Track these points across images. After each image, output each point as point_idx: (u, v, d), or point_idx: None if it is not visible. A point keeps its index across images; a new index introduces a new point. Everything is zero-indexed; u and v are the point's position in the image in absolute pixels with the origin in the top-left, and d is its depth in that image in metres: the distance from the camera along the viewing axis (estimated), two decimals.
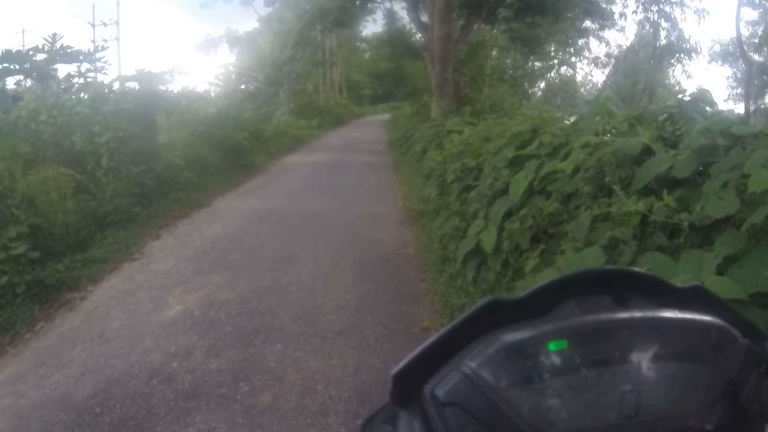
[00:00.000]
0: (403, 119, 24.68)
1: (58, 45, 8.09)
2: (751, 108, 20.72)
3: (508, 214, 4.60)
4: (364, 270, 5.65)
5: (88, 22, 25.92)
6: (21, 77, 8.47)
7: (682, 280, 2.23)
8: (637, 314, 0.58)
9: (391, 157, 16.63)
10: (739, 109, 20.16)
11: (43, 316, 4.57)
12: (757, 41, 27.52)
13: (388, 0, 23.54)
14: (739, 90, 31.63)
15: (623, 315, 0.57)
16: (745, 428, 0.59)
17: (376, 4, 24.38)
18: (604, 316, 0.57)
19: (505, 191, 4.90)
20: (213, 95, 23.67)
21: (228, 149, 12.82)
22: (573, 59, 26.48)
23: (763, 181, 2.34)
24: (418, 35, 23.27)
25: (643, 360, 0.55)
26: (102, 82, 9.39)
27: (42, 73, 8.25)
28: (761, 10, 24.06)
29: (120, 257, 6.04)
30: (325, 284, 5.20)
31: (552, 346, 0.53)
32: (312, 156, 16.50)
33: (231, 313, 4.51)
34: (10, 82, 8.63)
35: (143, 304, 4.75)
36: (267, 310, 4.59)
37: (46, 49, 8.05)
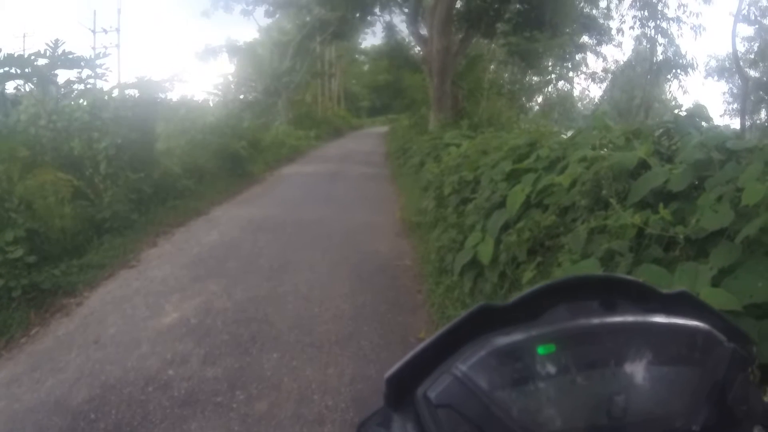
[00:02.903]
0: (401, 131, 24.65)
1: (59, 50, 8.12)
2: (747, 123, 20.82)
3: (506, 227, 4.60)
4: (361, 280, 5.65)
5: (89, 29, 25.85)
6: (21, 81, 8.47)
7: None
8: (625, 319, 0.59)
9: (388, 168, 16.64)
10: (735, 124, 20.28)
11: (38, 320, 4.57)
12: (753, 57, 27.67)
13: (387, 13, 23.60)
14: (734, 105, 31.74)
15: (611, 319, 0.59)
16: (732, 429, 0.60)
17: (375, 17, 24.46)
18: (592, 321, 0.59)
19: (502, 204, 4.90)
20: (212, 104, 23.74)
21: (226, 158, 12.84)
22: (570, 74, 26.59)
23: (757, 194, 2.37)
24: (417, 48, 23.34)
25: (630, 363, 0.56)
26: (101, 88, 9.41)
27: (42, 78, 8.27)
28: (757, 26, 24.26)
29: (117, 263, 6.03)
30: (321, 293, 5.20)
31: (541, 349, 0.55)
32: (309, 166, 16.52)
33: (227, 321, 4.51)
34: (10, 86, 8.64)
35: (139, 310, 4.74)
36: (263, 318, 4.59)
37: (47, 54, 8.07)
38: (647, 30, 20.90)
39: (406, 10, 20.92)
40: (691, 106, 4.63)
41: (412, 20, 20.46)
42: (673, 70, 21.75)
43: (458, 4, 18.95)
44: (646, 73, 23.24)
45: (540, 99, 28.22)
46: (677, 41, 20.98)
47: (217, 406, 3.30)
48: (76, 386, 3.47)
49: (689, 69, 21.73)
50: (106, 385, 3.48)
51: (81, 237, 6.57)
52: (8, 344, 4.14)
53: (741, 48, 26.13)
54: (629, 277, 0.67)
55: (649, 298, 0.64)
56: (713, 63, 32.59)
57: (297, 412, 3.26)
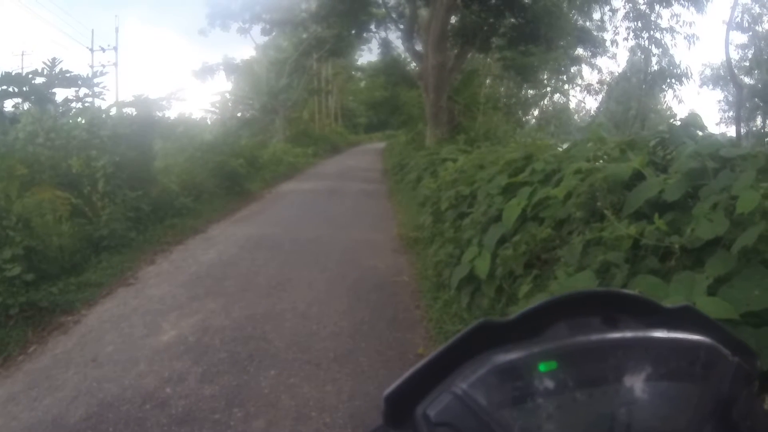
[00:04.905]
0: (398, 147, 24.74)
1: (57, 69, 8.17)
2: (743, 131, 20.89)
3: (502, 241, 4.60)
4: (359, 297, 5.64)
5: (87, 48, 26.09)
6: (19, 100, 8.52)
7: (673, 301, 2.23)
8: (627, 334, 0.59)
9: (386, 185, 16.67)
10: (731, 132, 20.39)
11: (36, 338, 4.55)
12: (747, 64, 27.91)
13: (383, 29, 23.87)
14: (730, 113, 32.04)
15: (613, 336, 0.58)
16: None
17: (371, 34, 24.71)
18: (594, 337, 0.58)
19: (498, 218, 4.91)
20: (209, 122, 23.85)
21: (224, 176, 12.86)
22: (566, 87, 26.76)
23: (751, 202, 2.38)
24: (413, 64, 23.50)
25: (633, 380, 0.55)
26: (99, 106, 9.46)
27: (40, 97, 8.31)
28: (750, 33, 24.47)
29: (114, 282, 6.02)
30: (319, 311, 5.18)
31: (542, 366, 0.54)
32: (307, 183, 16.54)
33: (225, 339, 4.48)
34: (8, 105, 8.68)
35: (137, 328, 4.72)
36: (261, 336, 4.57)
37: (45, 72, 8.12)
38: (641, 41, 21.09)
39: (402, 27, 21.12)
40: (686, 115, 4.64)
41: (408, 37, 20.62)
42: (668, 80, 21.90)
43: (453, 20, 19.12)
44: (641, 84, 23.39)
45: (536, 112, 28.40)
46: (671, 51, 21.19)
47: (215, 423, 3.28)
48: (74, 404, 3.45)
49: (684, 78, 21.91)
50: (104, 403, 3.46)
51: (79, 255, 6.55)
52: (6, 362, 4.12)
53: (735, 56, 26.45)
54: (631, 291, 0.67)
55: (651, 313, 0.63)
56: (708, 72, 32.96)
57: (295, 429, 3.25)
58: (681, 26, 20.27)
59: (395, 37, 23.32)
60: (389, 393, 0.56)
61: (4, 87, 7.88)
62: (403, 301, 5.58)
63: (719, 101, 35.35)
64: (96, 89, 9.31)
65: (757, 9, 23.88)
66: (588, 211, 3.64)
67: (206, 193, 11.65)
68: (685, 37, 20.36)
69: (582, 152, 4.85)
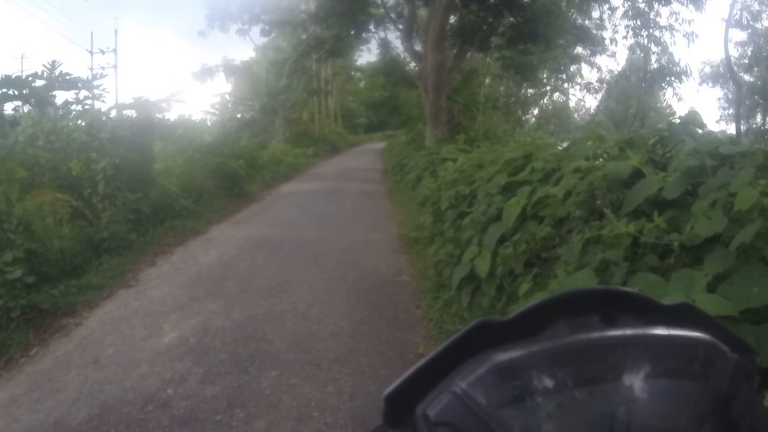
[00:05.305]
0: (398, 147, 24.74)
1: (56, 72, 8.18)
2: (743, 128, 20.85)
3: (502, 240, 4.60)
4: (360, 297, 5.63)
5: (87, 50, 26.15)
6: (19, 103, 8.52)
7: (672, 299, 2.24)
8: (626, 332, 0.59)
9: (386, 185, 16.66)
10: (732, 129, 20.36)
11: (37, 340, 4.55)
12: (746, 62, 27.89)
13: (382, 30, 23.85)
14: (730, 111, 32.04)
15: (612, 333, 0.58)
16: None
17: (370, 34, 24.70)
18: (593, 336, 0.58)
19: (498, 217, 4.91)
20: (209, 123, 23.87)
21: (223, 177, 12.86)
22: (565, 85, 26.77)
23: (749, 199, 2.38)
24: (412, 64, 23.50)
25: (632, 377, 0.55)
26: (99, 109, 9.46)
27: (40, 99, 8.32)
28: (749, 30, 24.45)
29: (115, 283, 6.03)
30: (320, 311, 5.18)
31: (542, 365, 0.54)
32: (307, 184, 16.53)
33: (226, 340, 4.48)
34: (8, 107, 8.69)
35: (138, 330, 4.72)
36: (262, 337, 4.56)
37: (45, 75, 8.13)
38: (640, 39, 21.04)
39: (401, 27, 21.11)
40: (686, 113, 4.64)
41: (407, 37, 20.62)
42: (668, 78, 21.83)
43: (452, 20, 19.11)
44: (641, 82, 23.35)
45: (536, 111, 28.41)
46: (670, 49, 21.12)
47: (217, 424, 3.28)
48: (76, 406, 3.45)
49: (683, 76, 21.83)
50: (106, 405, 3.46)
51: (80, 257, 6.56)
52: (7, 365, 4.13)
53: (735, 53, 26.41)
54: (630, 289, 0.67)
55: (650, 311, 0.63)
56: (707, 69, 32.97)
57: (296, 429, 3.25)
58: (680, 24, 20.25)
59: (394, 37, 23.33)
60: (389, 393, 0.56)
61: (4, 90, 7.90)
62: (403, 301, 5.57)
63: (719, 99, 35.44)
64: (96, 92, 9.34)
65: (756, 6, 23.89)
66: (587, 209, 3.64)
67: (206, 194, 11.66)
68: (684, 35, 20.34)
69: (581, 151, 4.85)
